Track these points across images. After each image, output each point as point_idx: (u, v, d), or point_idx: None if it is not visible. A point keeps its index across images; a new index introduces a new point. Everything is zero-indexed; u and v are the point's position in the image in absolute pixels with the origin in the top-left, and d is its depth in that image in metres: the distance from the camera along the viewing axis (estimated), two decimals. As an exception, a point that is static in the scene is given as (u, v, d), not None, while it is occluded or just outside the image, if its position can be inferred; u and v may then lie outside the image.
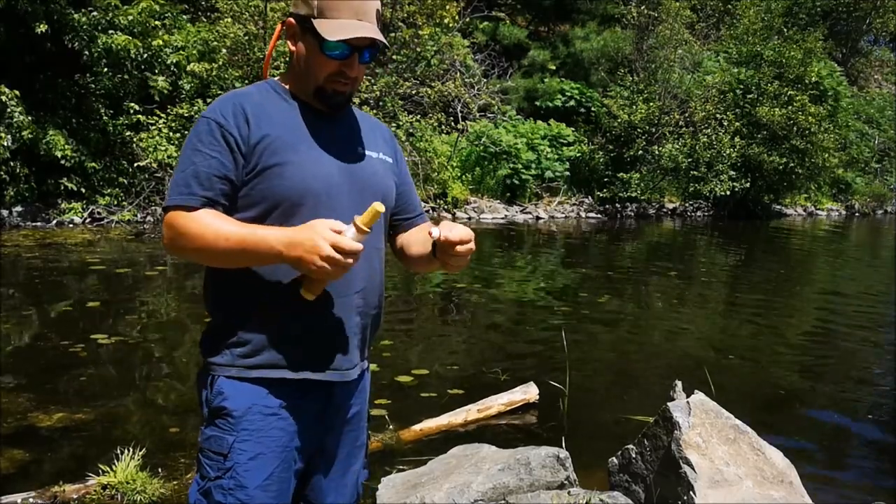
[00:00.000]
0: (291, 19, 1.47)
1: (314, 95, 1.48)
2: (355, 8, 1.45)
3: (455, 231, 1.40)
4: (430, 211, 14.07)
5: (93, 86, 10.39)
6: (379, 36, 1.45)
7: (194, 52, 10.98)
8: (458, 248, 1.40)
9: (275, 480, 1.44)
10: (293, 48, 1.48)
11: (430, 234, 1.43)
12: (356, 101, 11.67)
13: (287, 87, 1.51)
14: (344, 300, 1.46)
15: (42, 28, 9.38)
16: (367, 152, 1.55)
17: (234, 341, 1.44)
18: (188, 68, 10.66)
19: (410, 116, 12.94)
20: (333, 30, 1.41)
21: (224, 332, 1.46)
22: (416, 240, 1.62)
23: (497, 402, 3.92)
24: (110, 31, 9.99)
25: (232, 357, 1.44)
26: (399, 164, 1.66)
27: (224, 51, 10.73)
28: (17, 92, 9.25)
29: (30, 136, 9.36)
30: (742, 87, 17.94)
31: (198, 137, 1.41)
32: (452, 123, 15.29)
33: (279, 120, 1.45)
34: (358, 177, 1.49)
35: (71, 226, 10.11)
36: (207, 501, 1.44)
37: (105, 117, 10.45)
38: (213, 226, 1.35)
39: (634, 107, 16.31)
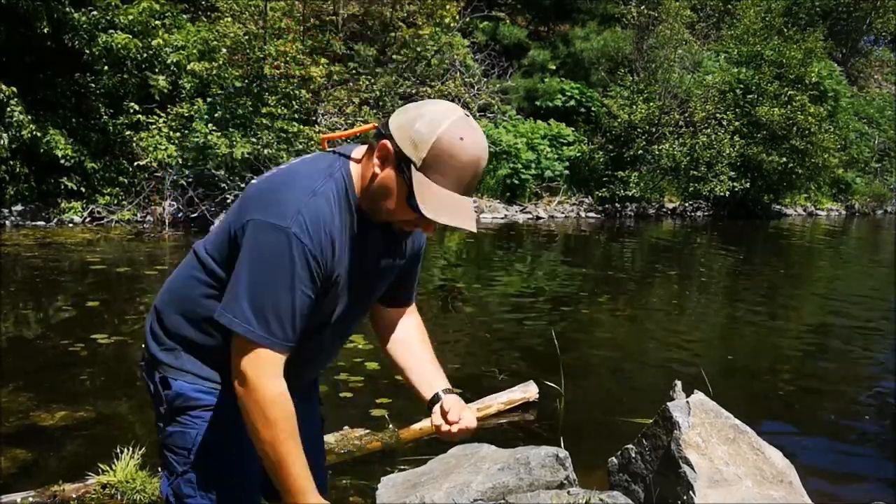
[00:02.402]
0: (390, 145, 1.33)
1: (380, 222, 1.43)
2: (462, 179, 1.32)
3: (460, 420, 1.46)
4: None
5: (93, 85, 10.38)
6: (473, 226, 1.33)
7: (194, 51, 10.97)
8: (450, 427, 1.46)
9: (241, 469, 1.47)
10: (378, 170, 1.35)
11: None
12: (356, 100, 11.73)
13: (356, 191, 1.40)
14: (298, 382, 1.47)
15: (45, 28, 9.38)
16: (394, 262, 1.54)
17: (190, 364, 1.47)
18: (188, 68, 10.66)
19: (410, 116, 12.91)
20: (433, 204, 1.30)
21: (181, 353, 1.48)
22: (407, 353, 1.63)
23: (496, 402, 3.92)
24: (110, 31, 9.99)
25: (185, 367, 1.47)
26: (415, 259, 1.64)
27: (224, 50, 10.72)
28: (14, 89, 9.24)
29: (29, 135, 9.35)
30: (742, 86, 17.94)
31: (293, 263, 1.30)
32: (452, 123, 15.26)
33: (346, 255, 1.40)
34: (370, 288, 1.53)
35: (71, 225, 10.11)
36: (177, 497, 1.46)
37: (105, 117, 10.45)
38: (289, 439, 1.34)
39: (634, 106, 16.29)
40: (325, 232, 1.33)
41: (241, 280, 1.31)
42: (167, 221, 10.51)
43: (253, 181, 1.48)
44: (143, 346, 1.59)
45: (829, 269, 11.35)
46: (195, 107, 10.60)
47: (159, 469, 1.54)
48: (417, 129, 1.31)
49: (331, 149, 1.45)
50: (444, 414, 1.47)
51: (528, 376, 4.23)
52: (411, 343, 1.64)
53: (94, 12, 9.93)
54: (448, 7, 13.35)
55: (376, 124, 1.40)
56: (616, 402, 4.39)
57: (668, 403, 2.74)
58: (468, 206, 1.34)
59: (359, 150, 1.43)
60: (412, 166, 1.31)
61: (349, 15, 13.73)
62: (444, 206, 1.30)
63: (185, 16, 11.81)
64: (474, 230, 1.37)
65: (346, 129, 11.16)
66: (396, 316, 1.66)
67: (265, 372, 1.31)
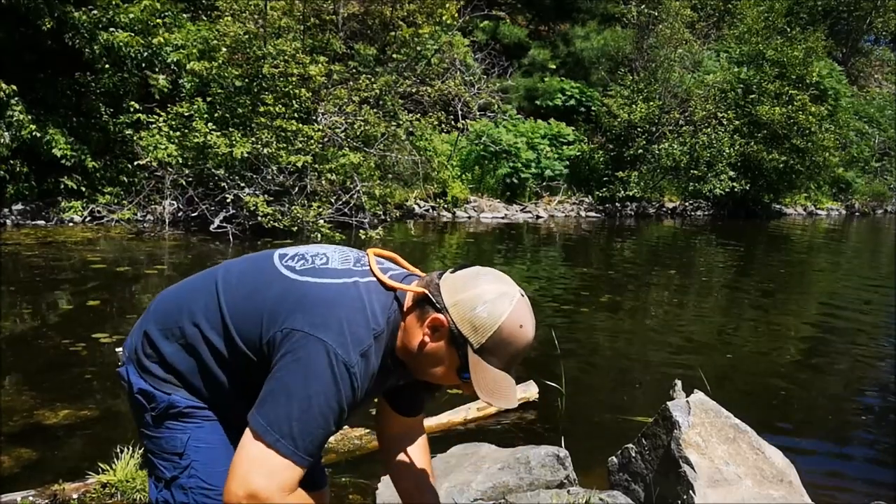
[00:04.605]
0: (445, 321, 1.35)
1: (415, 376, 1.48)
2: (515, 360, 1.38)
3: None
4: (431, 210, 14.07)
5: (93, 84, 10.38)
6: (516, 402, 1.39)
7: (194, 50, 10.97)
8: None
9: None
10: (428, 339, 1.38)
11: None
12: (356, 99, 11.71)
13: (398, 342, 1.43)
14: None
15: (48, 25, 9.37)
16: (399, 381, 1.57)
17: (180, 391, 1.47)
18: (188, 67, 10.66)
19: (410, 115, 12.94)
20: (488, 387, 1.34)
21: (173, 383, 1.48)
22: (413, 487, 1.68)
23: (497, 401, 3.91)
24: (111, 29, 9.99)
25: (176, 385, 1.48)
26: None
27: (224, 49, 10.72)
28: (14, 87, 9.23)
29: (29, 134, 9.35)
30: (742, 86, 17.94)
31: (342, 392, 1.31)
32: (452, 122, 15.28)
33: (371, 388, 1.42)
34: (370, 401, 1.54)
35: (71, 224, 10.11)
36: (169, 502, 1.45)
37: (105, 116, 10.45)
38: None
39: (634, 106, 16.30)
40: (370, 374, 1.36)
41: (293, 392, 1.29)
42: (167, 221, 10.52)
43: (307, 280, 1.42)
44: (121, 350, 1.57)
45: (828, 269, 11.35)
46: (195, 106, 10.60)
47: (147, 476, 1.52)
48: (478, 314, 1.33)
49: (391, 286, 1.43)
50: None
51: (528, 376, 4.23)
52: (420, 482, 1.68)
53: (95, 11, 9.92)
54: (448, 6, 13.33)
55: (424, 290, 1.39)
56: (616, 401, 4.39)
57: (668, 403, 2.74)
58: (513, 383, 1.39)
59: (409, 298, 1.42)
60: (469, 347, 1.33)
61: (349, 14, 13.72)
62: (497, 387, 1.35)
63: (185, 15, 11.80)
64: (515, 406, 1.40)
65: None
66: (405, 426, 1.69)
67: (285, 486, 1.29)
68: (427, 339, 1.38)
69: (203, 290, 1.49)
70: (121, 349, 1.57)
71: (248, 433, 1.30)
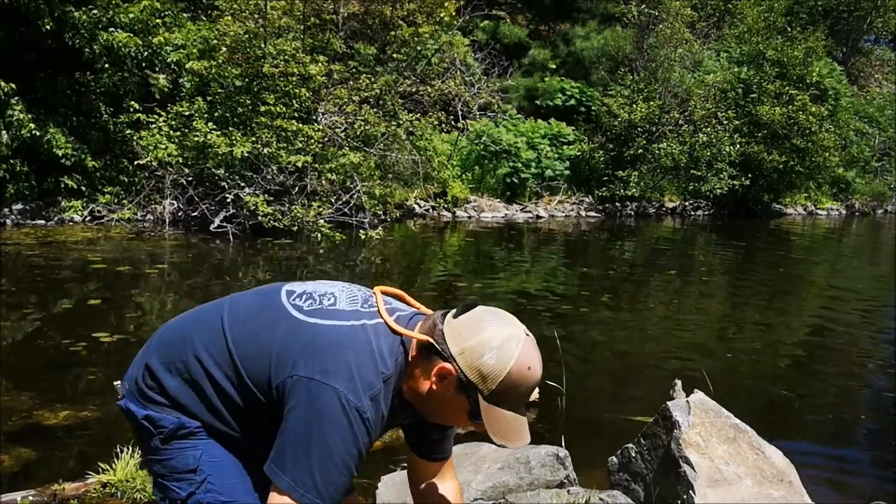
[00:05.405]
0: (454, 372, 1.35)
1: (424, 418, 1.49)
2: (525, 400, 1.39)
3: None
4: (431, 210, 14.06)
5: (93, 84, 10.38)
6: (528, 439, 1.40)
7: (194, 50, 10.96)
8: None
9: (248, 479, 1.46)
10: (435, 387, 1.38)
11: None
12: (356, 99, 11.71)
13: (404, 388, 1.44)
14: None
15: (48, 25, 9.36)
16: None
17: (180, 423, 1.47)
18: (188, 66, 10.65)
19: (410, 115, 12.93)
20: (501, 431, 1.35)
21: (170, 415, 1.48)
22: None
23: (497, 401, 3.91)
24: (111, 29, 9.98)
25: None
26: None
27: (224, 49, 10.72)
28: (13, 85, 9.23)
29: (29, 134, 9.35)
30: (742, 86, 17.93)
31: (359, 437, 1.33)
32: (453, 122, 15.27)
33: (380, 432, 1.44)
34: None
35: (71, 224, 10.11)
36: None
37: (105, 115, 10.44)
38: None
39: (634, 106, 16.29)
40: (381, 415, 1.38)
41: (312, 444, 1.30)
42: (167, 220, 10.52)
43: (315, 322, 1.42)
44: (121, 383, 1.57)
45: (828, 269, 11.35)
46: (195, 106, 10.59)
47: (160, 502, 1.52)
48: (486, 362, 1.33)
49: (397, 330, 1.43)
50: None
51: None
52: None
53: (95, 11, 9.91)
54: (446, 4, 13.33)
55: (429, 339, 1.39)
56: (616, 401, 4.39)
57: (668, 403, 2.74)
58: (525, 421, 1.39)
59: (414, 345, 1.43)
60: (480, 398, 1.34)
61: (349, 13, 13.71)
62: (510, 428, 1.35)
63: (185, 14, 11.80)
64: (528, 442, 1.40)
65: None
66: (434, 472, 1.67)
67: None
68: (435, 386, 1.38)
69: (208, 324, 1.48)
70: (119, 382, 1.57)
71: (273, 491, 1.32)
